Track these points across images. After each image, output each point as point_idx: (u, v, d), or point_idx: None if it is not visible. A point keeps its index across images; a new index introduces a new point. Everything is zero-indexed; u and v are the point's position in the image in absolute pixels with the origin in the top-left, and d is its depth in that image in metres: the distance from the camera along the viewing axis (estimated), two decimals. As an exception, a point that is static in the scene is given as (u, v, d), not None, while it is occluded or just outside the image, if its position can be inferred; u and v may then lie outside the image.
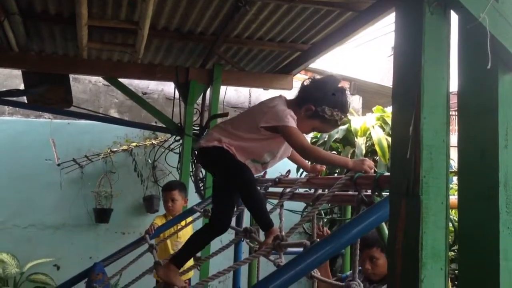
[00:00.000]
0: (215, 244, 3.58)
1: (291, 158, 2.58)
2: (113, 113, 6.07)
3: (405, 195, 1.13)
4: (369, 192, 1.82)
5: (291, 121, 2.10)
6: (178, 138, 5.24)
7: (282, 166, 2.75)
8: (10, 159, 5.64)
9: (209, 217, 2.43)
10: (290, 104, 2.23)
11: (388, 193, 1.67)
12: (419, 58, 1.11)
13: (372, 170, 1.95)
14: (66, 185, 5.74)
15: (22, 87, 4.78)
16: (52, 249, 5.68)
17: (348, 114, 5.33)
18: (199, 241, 2.38)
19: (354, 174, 1.86)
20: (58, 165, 5.65)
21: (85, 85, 6.08)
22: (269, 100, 2.28)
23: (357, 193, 1.88)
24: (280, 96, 2.31)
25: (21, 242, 5.63)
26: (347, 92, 2.32)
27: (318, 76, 2.61)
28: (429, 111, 1.10)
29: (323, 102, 2.16)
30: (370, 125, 4.99)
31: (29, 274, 5.46)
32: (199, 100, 5.08)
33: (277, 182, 2.78)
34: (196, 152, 2.41)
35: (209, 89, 4.88)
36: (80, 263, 4.38)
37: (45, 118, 5.87)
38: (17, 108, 5.60)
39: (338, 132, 5.08)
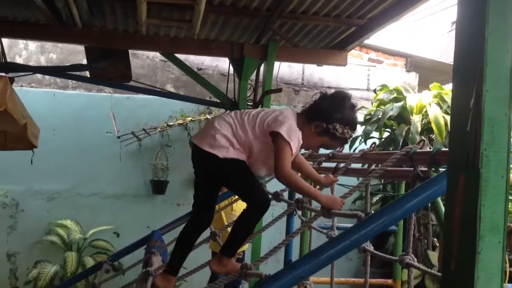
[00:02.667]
0: (267, 217, 3.67)
1: (302, 170, 2.46)
2: (169, 88, 6.22)
3: (464, 168, 1.13)
4: (425, 168, 1.81)
5: (294, 143, 2.04)
6: (232, 113, 5.31)
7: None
8: (73, 131, 5.92)
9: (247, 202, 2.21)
10: (300, 118, 2.16)
11: (444, 169, 1.67)
12: (483, 30, 1.09)
13: (341, 209, 1.95)
14: (125, 157, 5.98)
15: (85, 62, 4.97)
16: (112, 218, 5.97)
17: (403, 91, 5.26)
18: (250, 224, 2.21)
19: (410, 149, 1.85)
20: (118, 137, 5.89)
21: (143, 61, 6.26)
22: (283, 110, 2.20)
23: (412, 168, 1.88)
24: (294, 111, 2.22)
25: (84, 210, 5.94)
26: (356, 110, 2.24)
27: (331, 90, 2.47)
28: (492, 84, 1.09)
29: (335, 119, 2.10)
30: (426, 102, 4.87)
31: (91, 240, 5.77)
32: (253, 76, 5.11)
33: (330, 157, 2.80)
34: (193, 150, 2.18)
35: (263, 65, 4.90)
36: (138, 231, 4.57)
37: (106, 92, 6.11)
38: (80, 82, 5.84)
39: (392, 109, 4.99)
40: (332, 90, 6.49)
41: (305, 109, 2.21)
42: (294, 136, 2.05)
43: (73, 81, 5.82)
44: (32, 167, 4.18)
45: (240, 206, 3.71)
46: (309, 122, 2.14)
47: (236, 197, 3.61)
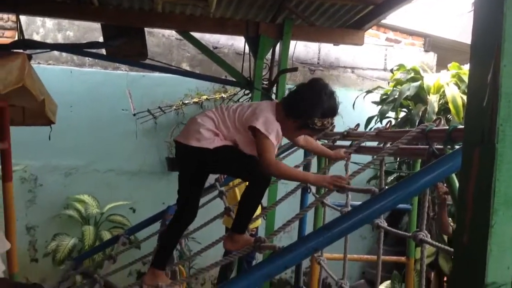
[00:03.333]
0: (281, 193, 3.69)
1: (309, 148, 2.53)
2: (185, 67, 6.24)
3: (479, 143, 1.13)
4: (440, 146, 1.81)
5: (273, 135, 2.04)
6: (247, 92, 5.32)
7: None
8: (90, 108, 5.99)
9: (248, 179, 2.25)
10: (280, 111, 2.14)
11: (460, 146, 1.67)
12: (501, 5, 1.09)
13: (332, 186, 1.98)
14: (141, 134, 6.05)
15: (101, 40, 4.99)
16: (129, 193, 6.06)
17: (421, 71, 5.21)
18: (255, 200, 2.24)
19: (426, 127, 1.85)
20: (134, 115, 5.95)
21: (159, 39, 6.26)
22: (261, 103, 2.22)
23: (428, 146, 1.88)
24: (272, 103, 2.21)
25: (101, 185, 6.05)
26: (335, 95, 2.20)
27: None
28: (509, 59, 1.08)
29: (312, 115, 2.08)
30: (444, 82, 4.81)
31: (108, 215, 5.88)
32: (269, 55, 5.10)
33: (345, 135, 2.80)
34: (179, 149, 2.18)
35: (278, 44, 4.88)
36: (154, 207, 4.64)
37: (122, 70, 6.14)
38: (96, 60, 5.88)
39: (409, 89, 4.95)
40: (345, 72, 6.44)
41: (283, 102, 2.17)
42: (272, 129, 2.05)
43: (90, 58, 5.87)
44: (50, 143, 4.25)
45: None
46: (288, 117, 2.12)
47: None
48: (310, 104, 2.08)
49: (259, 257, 4.52)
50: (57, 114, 3.91)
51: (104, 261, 3.36)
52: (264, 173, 2.07)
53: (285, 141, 2.50)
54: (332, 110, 2.14)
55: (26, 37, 4.80)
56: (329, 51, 6.65)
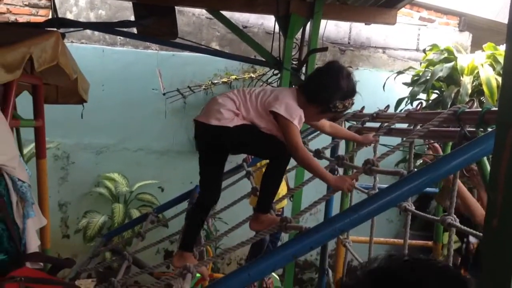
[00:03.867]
0: (308, 173, 3.68)
1: (338, 135, 2.54)
2: (214, 46, 6.23)
3: (513, 125, 1.10)
4: (473, 128, 1.77)
5: (297, 120, 2.06)
6: (276, 72, 5.29)
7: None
8: (121, 87, 6.07)
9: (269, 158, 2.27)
10: (300, 96, 2.15)
11: (493, 129, 1.62)
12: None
13: (348, 191, 2.01)
14: (170, 114, 6.10)
15: (132, 19, 5.02)
16: (157, 172, 6.16)
17: (455, 51, 5.07)
18: (276, 178, 2.26)
19: (459, 109, 1.81)
20: (164, 94, 6.00)
21: (189, 18, 6.26)
22: (283, 89, 2.25)
23: (459, 128, 1.83)
24: (293, 89, 2.21)
25: (131, 164, 6.15)
26: (352, 75, 2.18)
27: (326, 61, 2.35)
28: (547, 38, 1.04)
29: (333, 99, 2.10)
30: (479, 63, 4.67)
31: (137, 194, 5.99)
32: (299, 35, 5.04)
33: (374, 117, 2.76)
34: (199, 129, 2.17)
35: (309, 23, 4.81)
36: (182, 186, 4.71)
37: (152, 49, 6.18)
38: (127, 39, 5.93)
39: (442, 70, 4.82)
40: (376, 52, 6.31)
41: (303, 89, 2.18)
42: (296, 114, 2.07)
43: (121, 37, 5.92)
44: (82, 121, 4.32)
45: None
46: (309, 103, 2.14)
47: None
48: (329, 89, 2.10)
49: (284, 238, 4.54)
50: (89, 92, 3.98)
51: (133, 238, 3.43)
52: (283, 152, 2.09)
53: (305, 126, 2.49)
54: (351, 91, 2.14)
55: (59, 15, 4.87)
56: (360, 30, 6.53)
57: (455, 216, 1.85)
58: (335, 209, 3.64)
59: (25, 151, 4.41)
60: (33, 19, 5.97)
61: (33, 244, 1.63)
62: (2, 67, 2.39)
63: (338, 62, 2.23)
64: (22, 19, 5.99)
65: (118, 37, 5.96)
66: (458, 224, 1.83)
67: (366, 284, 0.80)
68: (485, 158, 1.65)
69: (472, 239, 3.19)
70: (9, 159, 1.59)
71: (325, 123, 2.40)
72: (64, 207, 6.21)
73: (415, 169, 1.79)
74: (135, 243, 3.10)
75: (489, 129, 1.65)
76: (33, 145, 3.61)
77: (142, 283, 5.59)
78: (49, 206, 3.44)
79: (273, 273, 4.71)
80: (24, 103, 3.59)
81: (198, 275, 2.40)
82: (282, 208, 4.82)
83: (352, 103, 2.21)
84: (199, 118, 2.17)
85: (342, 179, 2.04)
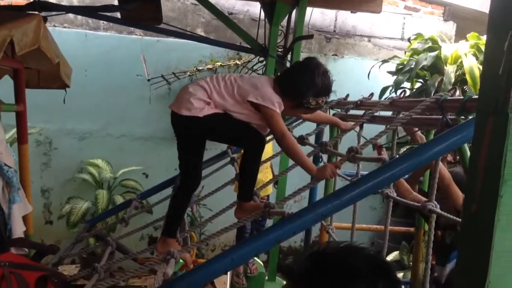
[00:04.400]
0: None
1: (317, 120, 2.54)
2: (200, 32, 6.18)
3: (493, 113, 1.11)
4: (454, 116, 1.79)
5: (277, 106, 2.08)
6: (261, 59, 5.28)
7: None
8: (104, 72, 6.00)
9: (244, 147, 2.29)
10: (276, 87, 2.16)
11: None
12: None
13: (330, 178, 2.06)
14: (155, 100, 6.06)
15: (116, 3, 4.95)
16: (141, 159, 6.13)
17: (439, 41, 5.10)
18: (253, 166, 2.28)
19: (441, 96, 1.83)
20: (148, 80, 5.95)
21: (174, 3, 6.20)
22: (259, 77, 2.24)
23: (441, 116, 1.85)
24: (270, 77, 2.23)
25: (114, 150, 6.11)
26: (329, 73, 2.20)
27: (303, 56, 2.36)
28: (528, 26, 1.05)
29: (307, 94, 2.11)
30: (462, 52, 4.72)
31: (121, 180, 5.96)
32: (284, 22, 5.03)
33: (358, 104, 2.78)
34: (172, 117, 2.18)
35: (294, 11, 4.80)
36: (166, 173, 4.68)
37: (136, 35, 6.11)
38: (111, 24, 5.85)
39: (426, 59, 4.86)
40: (362, 40, 6.32)
41: (279, 79, 2.20)
42: (276, 102, 2.08)
43: (105, 22, 5.84)
44: (65, 106, 4.27)
45: (266, 151, 3.74)
46: (283, 95, 2.14)
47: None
48: (303, 85, 2.11)
49: (268, 225, 4.57)
50: (71, 77, 3.92)
51: (117, 224, 3.42)
52: (256, 139, 2.11)
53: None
54: (326, 89, 2.16)
55: (41, -1, 4.78)
56: (346, 19, 6.53)
57: (435, 203, 1.88)
58: (319, 196, 3.67)
59: (6, 136, 4.35)
60: (15, 2, 5.85)
61: (18, 229, 1.63)
62: (-18, 50, 2.34)
63: (316, 59, 2.24)
64: (3, 1, 5.86)
65: (101, 21, 5.88)
66: (438, 210, 1.86)
67: (305, 263, 0.89)
68: (465, 145, 1.68)
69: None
70: (-4, 144, 1.57)
71: None
72: (47, 193, 6.15)
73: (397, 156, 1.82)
74: (119, 229, 3.09)
75: (470, 117, 1.67)
76: (14, 130, 3.56)
77: (126, 269, 5.59)
78: (32, 192, 3.41)
79: (257, 259, 4.74)
80: (5, 87, 3.53)
81: (181, 261, 2.41)
82: (268, 195, 4.84)
83: (326, 102, 2.23)
84: (171, 106, 2.17)
85: (323, 168, 2.06)
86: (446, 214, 1.84)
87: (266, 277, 4.63)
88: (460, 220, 1.56)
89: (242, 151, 3.79)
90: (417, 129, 2.83)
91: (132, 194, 5.46)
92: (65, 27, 6.01)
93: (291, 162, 2.57)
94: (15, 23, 2.78)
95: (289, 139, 2.07)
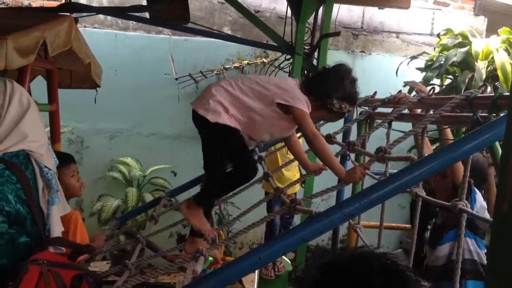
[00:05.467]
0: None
1: (292, 148, 2.42)
2: (227, 31, 6.22)
3: (524, 110, 1.09)
4: (485, 114, 1.76)
5: (306, 106, 2.07)
6: (288, 57, 5.27)
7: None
8: (133, 72, 6.09)
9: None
10: (302, 88, 2.16)
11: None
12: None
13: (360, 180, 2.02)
14: (183, 99, 6.12)
15: (144, 3, 5.03)
16: (170, 157, 6.20)
17: (469, 36, 5.00)
18: (227, 186, 2.23)
19: (471, 94, 1.79)
20: (176, 79, 6.02)
21: (201, 2, 6.25)
22: (285, 79, 2.22)
23: (472, 114, 1.82)
24: (295, 79, 2.23)
25: (144, 149, 6.20)
26: (357, 83, 2.19)
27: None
28: (562, 22, 1.03)
29: (332, 94, 2.10)
30: (493, 48, 4.61)
31: (150, 178, 6.05)
32: (311, 19, 5.01)
33: (386, 102, 2.75)
34: (192, 114, 2.12)
35: (321, 7, 4.78)
36: (194, 171, 4.70)
37: (165, 34, 6.19)
38: (140, 24, 5.94)
39: (456, 55, 4.77)
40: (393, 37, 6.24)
41: (306, 80, 2.22)
42: (302, 100, 2.08)
43: (134, 22, 5.93)
44: (96, 106, 4.37)
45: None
46: (308, 95, 2.14)
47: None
48: (331, 84, 2.12)
49: (296, 223, 4.57)
50: (102, 77, 4.00)
51: (146, 222, 3.47)
52: (245, 172, 2.09)
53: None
54: (351, 96, 2.15)
55: (72, 0, 4.89)
56: (374, 15, 6.46)
57: (466, 202, 1.85)
58: (347, 194, 3.65)
59: (40, 135, 4.46)
60: (47, 3, 6.00)
61: (56, 230, 1.68)
62: (16, 52, 2.41)
63: (348, 66, 2.24)
64: (35, 4, 6.02)
65: (131, 21, 5.98)
66: (469, 209, 1.83)
67: (316, 276, 0.84)
68: (497, 142, 1.65)
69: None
70: (38, 146, 1.63)
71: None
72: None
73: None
74: (148, 227, 3.13)
75: (502, 114, 1.64)
76: (47, 129, 3.65)
77: (155, 266, 5.67)
78: (64, 190, 3.49)
79: (284, 257, 4.75)
80: (38, 88, 3.63)
81: (210, 258, 2.43)
82: (295, 193, 4.84)
83: (349, 111, 2.22)
84: (193, 102, 2.15)
85: (352, 171, 2.03)
86: (478, 214, 1.82)
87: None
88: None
89: (272, 148, 3.80)
90: (446, 126, 2.79)
91: (161, 192, 5.53)
92: (95, 27, 6.12)
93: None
94: (47, 25, 2.86)
95: (320, 140, 2.06)
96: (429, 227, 3.27)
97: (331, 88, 2.11)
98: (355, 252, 0.88)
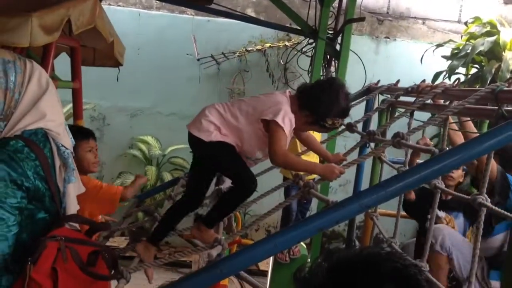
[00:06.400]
0: (339, 149, 3.65)
1: (309, 145, 2.44)
2: (250, 13, 6.17)
3: (551, 108, 1.07)
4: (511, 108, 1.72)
5: (287, 125, 2.00)
6: (311, 41, 5.22)
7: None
8: (155, 52, 6.11)
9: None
10: (293, 102, 2.10)
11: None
12: None
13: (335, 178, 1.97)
14: (204, 80, 6.13)
15: (168, -18, 5.02)
16: (190, 137, 6.23)
17: (498, 25, 4.88)
18: (233, 203, 2.23)
19: (497, 87, 1.76)
20: (198, 60, 6.02)
21: (225, -17, 6.20)
22: (274, 95, 2.14)
23: (497, 107, 1.79)
24: (285, 93, 2.15)
25: (164, 128, 6.25)
26: (350, 96, 2.16)
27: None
28: None
29: (325, 114, 2.06)
30: (523, 38, 4.50)
31: (170, 157, 6.11)
32: (336, 3, 4.94)
33: (409, 91, 2.71)
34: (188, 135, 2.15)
35: (347, -9, 4.71)
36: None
37: (188, 14, 6.17)
38: (163, 3, 5.93)
39: (483, 44, 4.67)
40: (413, 25, 6.13)
41: (299, 95, 2.13)
42: (286, 120, 2.02)
43: (157, 1, 5.92)
44: (118, 84, 4.40)
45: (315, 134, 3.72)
46: (301, 110, 2.09)
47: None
48: (327, 103, 2.06)
49: (313, 209, 4.58)
50: (124, 56, 4.02)
51: (165, 200, 3.51)
52: (248, 184, 2.07)
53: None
54: (344, 111, 2.12)
55: (96, -22, 4.89)
56: (400, 0, 6.34)
57: (486, 196, 1.83)
58: (365, 180, 3.64)
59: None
60: (72, -20, 6.02)
61: (72, 208, 1.71)
62: (41, 29, 2.43)
63: (341, 80, 2.23)
64: (61, -20, 6.04)
65: (154, 0, 5.97)
66: (489, 204, 1.81)
67: (324, 279, 0.81)
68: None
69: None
70: (56, 125, 1.65)
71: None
72: (100, 167, 6.36)
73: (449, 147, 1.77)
74: (166, 206, 3.17)
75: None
76: (70, 105, 3.70)
77: (172, 243, 5.76)
78: (85, 166, 3.55)
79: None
80: (62, 65, 3.66)
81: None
82: (314, 179, 4.84)
83: (341, 124, 2.20)
84: (188, 124, 2.17)
85: (330, 167, 2.01)
86: (498, 209, 1.79)
87: (308, 259, 4.65)
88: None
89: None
90: (468, 118, 2.74)
91: (180, 172, 5.59)
92: (119, 5, 6.14)
93: (336, 150, 2.55)
94: (72, 3, 2.86)
95: (283, 156, 2.01)
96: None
97: (326, 108, 2.06)
98: (362, 253, 0.84)
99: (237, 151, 2.11)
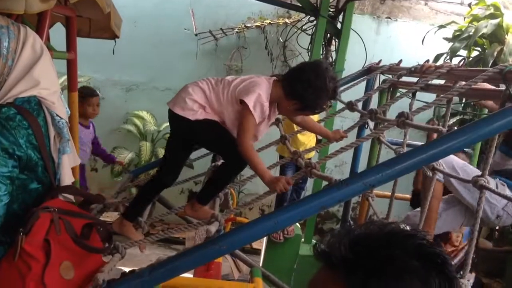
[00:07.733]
0: (337, 127, 3.61)
1: (306, 127, 2.41)
2: (250, -12, 6.06)
3: None
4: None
5: (258, 112, 1.96)
6: (312, 18, 5.13)
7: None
8: (152, 26, 6.00)
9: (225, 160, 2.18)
10: (278, 88, 2.03)
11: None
12: None
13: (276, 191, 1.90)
14: (201, 55, 6.04)
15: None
16: (185, 114, 6.17)
17: (502, 7, 4.81)
18: (225, 180, 2.20)
19: (505, 67, 1.71)
20: (196, 35, 5.92)
21: (225, -44, 6.07)
22: (256, 78, 2.07)
23: (504, 88, 1.75)
24: (270, 80, 2.06)
25: (159, 103, 6.10)
26: (336, 77, 2.08)
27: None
28: None
29: (314, 100, 2.01)
30: (527, 21, 4.44)
31: (165, 133, 6.05)
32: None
33: (412, 71, 2.66)
34: (168, 113, 2.10)
35: (350, -31, 4.61)
36: (210, 129, 4.71)
37: (187, -13, 6.05)
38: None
39: (486, 27, 4.60)
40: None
41: (285, 83, 2.06)
42: (258, 108, 1.97)
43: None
44: (114, 57, 4.31)
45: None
46: (287, 97, 2.03)
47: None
48: (315, 91, 2.00)
49: (308, 189, 4.56)
50: (121, 28, 3.93)
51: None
52: (238, 159, 2.02)
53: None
54: (332, 93, 2.05)
55: None
56: (404, -20, 6.24)
57: (488, 178, 1.80)
58: (362, 164, 3.62)
59: (57, 83, 4.44)
60: (68, -51, 5.87)
61: (67, 180, 1.66)
62: (37, -4, 2.35)
63: (325, 62, 2.14)
64: (57, -52, 5.89)
65: (153, -28, 5.84)
66: (490, 186, 1.78)
67: (345, 252, 0.78)
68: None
69: None
70: (50, 94, 1.59)
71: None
72: (93, 141, 6.31)
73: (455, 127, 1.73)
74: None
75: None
76: (64, 77, 3.62)
77: (166, 220, 5.75)
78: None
79: (294, 221, 4.75)
80: (56, 35, 3.58)
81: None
82: (310, 158, 4.82)
83: (330, 106, 2.16)
84: (169, 102, 2.13)
85: (277, 179, 1.94)
86: (498, 191, 1.77)
87: (302, 239, 4.66)
88: None
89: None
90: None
91: (175, 148, 5.52)
92: (116, -24, 5.99)
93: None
94: (68, -29, 2.78)
95: (246, 148, 1.96)
96: None
97: (314, 96, 2.01)
98: (385, 229, 0.81)
99: (223, 126, 2.07)
